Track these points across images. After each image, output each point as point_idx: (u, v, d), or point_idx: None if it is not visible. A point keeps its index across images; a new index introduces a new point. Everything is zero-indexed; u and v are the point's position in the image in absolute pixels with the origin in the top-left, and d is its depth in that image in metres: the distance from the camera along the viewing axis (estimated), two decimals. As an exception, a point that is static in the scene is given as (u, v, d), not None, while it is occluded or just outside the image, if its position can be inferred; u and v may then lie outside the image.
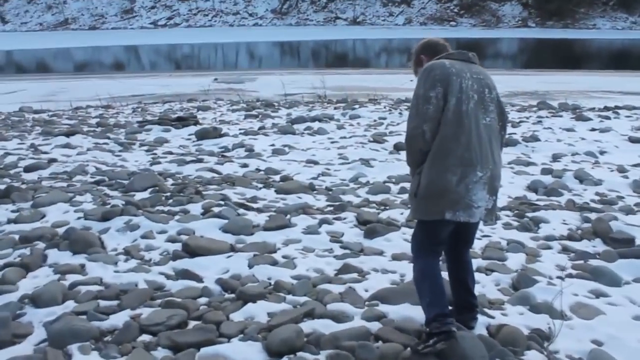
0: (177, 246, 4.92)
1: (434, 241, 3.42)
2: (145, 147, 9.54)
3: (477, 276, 4.36)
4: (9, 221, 5.74)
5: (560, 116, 12.84)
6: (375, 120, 12.31)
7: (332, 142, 9.93)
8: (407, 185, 7.23)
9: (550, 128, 11.36)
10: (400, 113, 13.11)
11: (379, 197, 6.71)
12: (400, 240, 5.15)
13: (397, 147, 9.50)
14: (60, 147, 9.48)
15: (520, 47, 54.33)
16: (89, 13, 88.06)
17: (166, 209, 5.94)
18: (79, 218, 5.67)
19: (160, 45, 57.18)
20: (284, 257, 4.78)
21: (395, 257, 4.77)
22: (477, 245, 5.04)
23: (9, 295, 4.15)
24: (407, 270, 4.50)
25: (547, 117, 12.75)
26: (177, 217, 5.64)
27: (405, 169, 8.14)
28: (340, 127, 11.33)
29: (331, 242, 5.10)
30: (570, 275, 4.51)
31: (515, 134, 10.64)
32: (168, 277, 4.43)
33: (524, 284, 4.28)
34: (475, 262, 4.61)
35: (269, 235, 5.22)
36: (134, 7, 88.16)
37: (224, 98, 18.48)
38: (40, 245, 5.04)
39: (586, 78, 25.49)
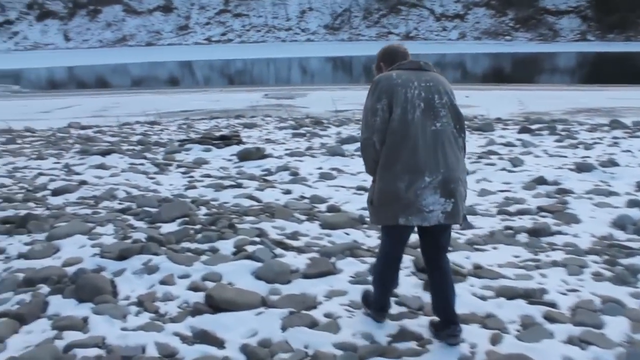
0: (200, 297, 4.11)
1: (396, 244, 3.67)
2: (183, 169, 8.86)
3: (570, 350, 3.45)
4: (20, 256, 5.09)
5: (638, 137, 11.58)
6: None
7: (385, 165, 9.04)
8: (471, 219, 6.33)
9: (630, 151, 10.12)
10: (459, 133, 12.11)
11: (439, 234, 5.77)
12: (468, 295, 4.21)
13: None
14: (94, 167, 8.92)
15: (579, 62, 52.27)
16: (146, 30, 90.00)
17: (193, 246, 5.16)
18: (94, 255, 4.95)
19: (214, 61, 57.58)
20: (325, 315, 3.91)
21: (463, 320, 3.83)
22: (564, 304, 4.07)
23: (-6, 357, 3.44)
24: (479, 339, 3.58)
25: (623, 137, 11.51)
26: (203, 258, 4.84)
27: (469, 199, 7.24)
28: (393, 148, 10.42)
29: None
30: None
31: (589, 157, 9.52)
32: (183, 339, 3.62)
33: (635, 365, 3.30)
34: (565, 329, 3.67)
35: (309, 284, 4.36)
36: (189, 24, 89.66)
37: (272, 114, 17.88)
38: (44, 289, 4.33)
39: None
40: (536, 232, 5.83)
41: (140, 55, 66.19)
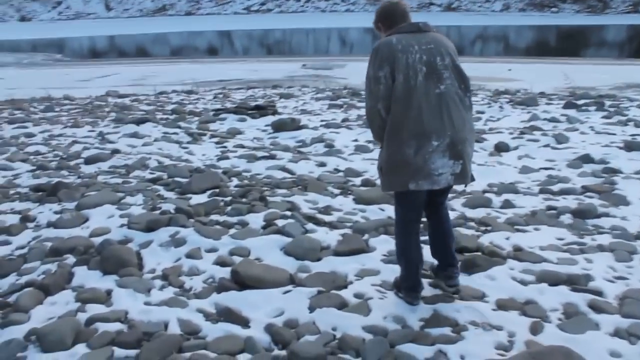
0: (226, 272, 3.98)
1: (411, 210, 3.61)
2: (216, 139, 8.74)
3: (617, 343, 3.21)
4: (49, 224, 5.06)
5: None
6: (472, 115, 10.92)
7: (423, 139, 8.75)
8: (511, 197, 6.05)
9: None
10: (501, 107, 11.69)
11: (478, 213, 5.52)
12: (507, 279, 3.97)
13: (499, 148, 8.20)
14: (128, 136, 8.87)
15: (630, 35, 50.16)
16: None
17: (222, 219, 5.02)
18: (122, 225, 4.87)
19: (253, 31, 57.29)
20: (356, 296, 3.73)
21: (501, 306, 3.62)
22: (611, 293, 3.80)
23: (16, 329, 3.37)
24: (518, 327, 3.36)
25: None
26: (232, 231, 4.71)
27: (510, 176, 6.93)
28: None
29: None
30: None
31: (639, 135, 9.04)
32: (207, 316, 3.50)
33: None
34: (612, 321, 3.42)
35: (340, 262, 4.18)
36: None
37: (309, 85, 17.62)
38: (70, 259, 4.27)
39: None
40: (581, 214, 5.50)
41: (180, 24, 66.30)
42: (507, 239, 4.78)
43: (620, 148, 8.17)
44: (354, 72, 22.63)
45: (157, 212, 5.16)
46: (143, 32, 58.04)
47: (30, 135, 9.39)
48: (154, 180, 6.32)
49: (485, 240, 4.73)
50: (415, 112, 3.32)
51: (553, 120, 10.28)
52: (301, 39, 51.10)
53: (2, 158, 7.68)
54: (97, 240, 4.58)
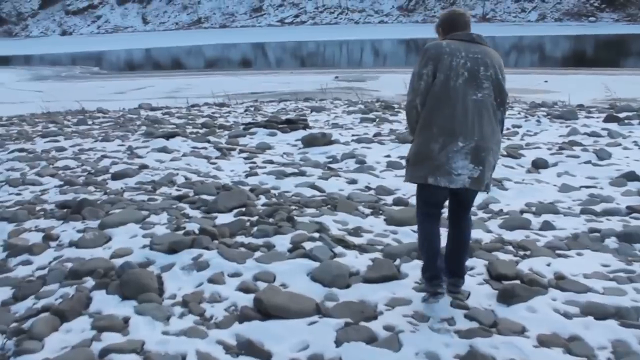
0: (249, 299, 3.78)
1: (428, 204, 3.77)
2: (245, 154, 8.59)
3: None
4: (71, 244, 4.95)
5: None
6: (508, 129, 10.49)
7: (458, 155, 8.45)
8: (551, 218, 5.74)
9: None
10: (538, 120, 11.30)
11: (516, 235, 5.23)
12: (549, 311, 3.68)
13: (537, 165, 7.86)
14: (157, 150, 8.78)
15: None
16: (221, 12, 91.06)
17: (247, 240, 4.83)
18: (144, 246, 4.72)
19: (286, 43, 57.49)
20: (386, 328, 3.49)
21: (543, 342, 3.34)
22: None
23: (30, 358, 3.23)
24: (564, 367, 3.08)
25: None
26: (257, 254, 4.51)
27: (549, 195, 6.61)
28: (467, 136, 9.79)
29: (452, 307, 3.72)
30: None
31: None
32: (227, 349, 3.30)
33: None
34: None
35: (369, 290, 3.94)
36: (263, 6, 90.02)
37: (341, 98, 17.47)
38: (89, 282, 4.13)
39: None
40: (627, 237, 5.15)
41: (214, 37, 66.94)
42: (548, 265, 4.48)
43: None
44: (387, 84, 22.42)
45: (181, 232, 5.00)
46: (178, 45, 58.73)
47: (61, 149, 9.39)
48: (180, 198, 6.18)
49: (525, 266, 4.44)
50: (449, 111, 3.50)
51: (594, 134, 9.88)
52: (334, 50, 51.03)
53: (32, 173, 7.66)
54: (118, 261, 4.44)
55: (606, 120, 11.28)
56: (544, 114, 12.29)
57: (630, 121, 11.07)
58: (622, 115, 11.79)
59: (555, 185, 7.01)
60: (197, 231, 4.94)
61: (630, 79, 23.09)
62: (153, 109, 15.94)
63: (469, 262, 4.42)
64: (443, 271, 3.80)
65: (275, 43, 57.90)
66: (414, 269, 4.30)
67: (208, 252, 4.47)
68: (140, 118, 13.53)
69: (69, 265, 4.44)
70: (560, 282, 4.14)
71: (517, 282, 4.10)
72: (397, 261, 4.42)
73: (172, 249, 4.53)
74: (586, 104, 14.91)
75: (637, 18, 73.10)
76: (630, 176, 7.18)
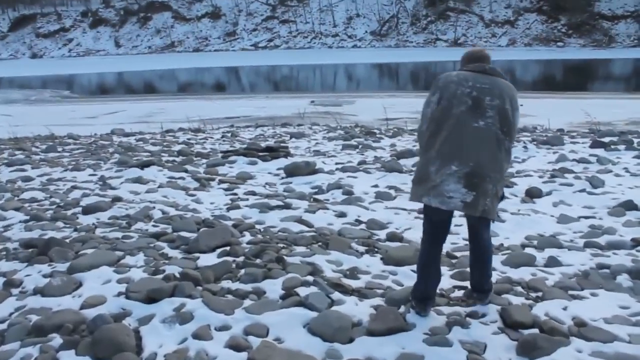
0: (241, 359, 3.31)
1: (431, 224, 3.88)
2: (225, 185, 8.12)
3: None
4: (36, 291, 4.42)
5: None
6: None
7: (448, 184, 8.10)
8: (555, 253, 5.41)
9: None
10: (525, 147, 11.06)
11: (522, 273, 4.85)
12: (578, 367, 3.30)
13: (531, 194, 7.56)
14: (131, 181, 8.27)
15: (637, 68, 49.72)
16: (194, 36, 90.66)
17: (234, 286, 4.36)
18: (119, 294, 4.23)
19: (260, 67, 57.27)
20: (399, 394, 3.07)
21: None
22: None
23: None
24: None
25: None
26: (246, 303, 4.04)
27: (548, 227, 6.28)
28: (454, 164, 9.47)
29: (470, 365, 3.31)
30: None
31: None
32: None
33: None
34: None
35: (375, 344, 3.51)
36: (236, 30, 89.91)
37: (320, 122, 17.15)
38: (56, 340, 3.62)
39: None
40: (640, 274, 4.84)
41: (188, 61, 66.46)
42: (565, 309, 4.11)
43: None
44: (364, 108, 22.20)
45: (160, 276, 4.52)
46: (151, 69, 58.06)
47: (28, 179, 8.83)
48: (157, 236, 5.68)
49: (540, 311, 4.05)
50: (447, 135, 3.64)
51: (583, 161, 9.66)
52: (308, 74, 50.87)
53: (-6, 206, 7.10)
54: (90, 313, 3.93)
55: (593, 145, 11.11)
56: (529, 139, 12.08)
57: (617, 147, 10.91)
58: (606, 140, 11.65)
59: (552, 216, 6.70)
60: (178, 275, 4.47)
61: (604, 102, 23.24)
62: (126, 135, 15.43)
63: (480, 309, 4.03)
64: (433, 298, 3.97)
65: (249, 67, 57.62)
66: (421, 317, 3.89)
67: (191, 301, 4.00)
68: (113, 145, 12.99)
69: (33, 318, 3.92)
70: (582, 329, 3.77)
71: (536, 330, 3.72)
72: (402, 308, 4.00)
73: (151, 298, 4.05)
74: (565, 129, 14.83)
75: (602, 44, 74.84)
76: (629, 205, 6.91)
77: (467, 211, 3.64)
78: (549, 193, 7.60)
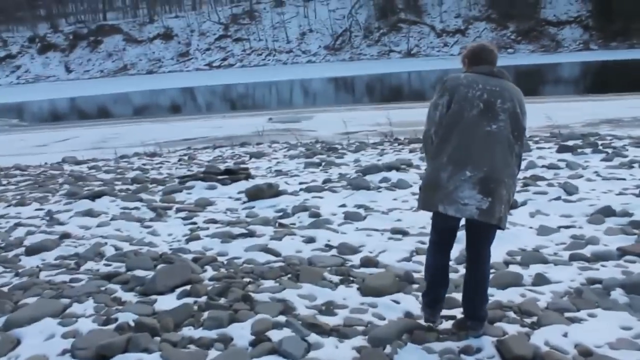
0: None
1: (439, 233, 3.80)
2: (184, 213, 7.57)
3: None
4: (-32, 353, 3.83)
5: None
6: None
7: (418, 199, 7.73)
8: (541, 269, 5.10)
9: None
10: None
11: (510, 295, 4.48)
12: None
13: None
14: (81, 214, 7.64)
15: (584, 71, 51.05)
16: (147, 58, 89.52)
17: (197, 334, 3.83)
18: (64, 353, 3.67)
19: (215, 86, 56.66)
20: None
21: None
22: None
23: None
24: None
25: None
26: (212, 354, 3.54)
27: (529, 240, 5.95)
28: (423, 177, 9.11)
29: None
30: None
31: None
32: None
33: None
34: None
35: (363, 397, 3.07)
36: (190, 50, 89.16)
37: (279, 140, 16.70)
38: (-13, 418, 3.07)
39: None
40: (635, 288, 4.48)
41: (141, 83, 65.29)
42: (565, 335, 3.76)
43: (637, 195, 7.33)
44: (323, 123, 21.88)
45: (113, 325, 3.98)
46: (104, 93, 56.77)
47: (-34, 218, 8.11)
48: (109, 277, 5.09)
49: (539, 339, 3.69)
50: (459, 140, 3.53)
51: (552, 167, 9.46)
52: (264, 92, 50.47)
53: None
54: (29, 379, 3.38)
55: (559, 150, 10.94)
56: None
57: (583, 150, 10.78)
58: (571, 143, 11.54)
59: (531, 228, 6.39)
60: (132, 324, 3.94)
61: (559, 106, 23.44)
62: (78, 163, 14.70)
63: (474, 342, 3.63)
64: (442, 301, 3.90)
65: (204, 87, 56.92)
66: (411, 354, 3.46)
67: (148, 357, 3.47)
68: (63, 174, 12.26)
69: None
70: (590, 359, 3.40)
71: (540, 365, 3.33)
72: (388, 349, 3.56)
73: (101, 355, 3.51)
74: (528, 134, 14.69)
75: (550, 48, 76.94)
76: (607, 212, 6.66)
77: (482, 218, 3.48)
78: (524, 203, 7.30)
